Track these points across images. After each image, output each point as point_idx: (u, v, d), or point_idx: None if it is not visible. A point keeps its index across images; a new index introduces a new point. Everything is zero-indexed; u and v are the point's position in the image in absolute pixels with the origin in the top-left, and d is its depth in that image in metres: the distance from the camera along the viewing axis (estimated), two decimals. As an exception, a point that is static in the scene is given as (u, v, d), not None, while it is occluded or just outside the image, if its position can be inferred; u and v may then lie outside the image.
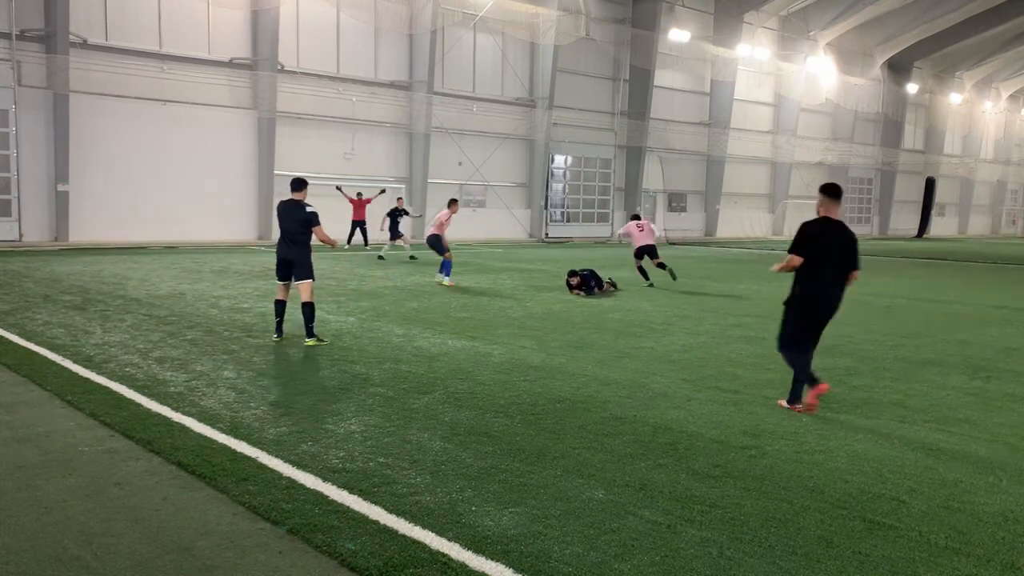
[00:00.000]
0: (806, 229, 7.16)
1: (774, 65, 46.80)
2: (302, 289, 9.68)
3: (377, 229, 25.07)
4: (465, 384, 7.59)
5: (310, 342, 9.50)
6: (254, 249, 26.41)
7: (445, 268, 16.96)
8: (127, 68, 26.86)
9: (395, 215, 23.49)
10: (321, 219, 9.95)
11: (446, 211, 17.42)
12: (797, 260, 7.03)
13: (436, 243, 17.09)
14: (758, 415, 6.75)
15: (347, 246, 27.45)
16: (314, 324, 9.68)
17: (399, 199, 25.23)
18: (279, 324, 9.87)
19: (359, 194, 28.57)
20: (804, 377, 6.99)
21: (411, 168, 34.03)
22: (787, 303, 7.20)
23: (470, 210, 35.99)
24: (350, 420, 6.29)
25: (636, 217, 18.85)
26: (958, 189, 65.04)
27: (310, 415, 6.42)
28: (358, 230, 27.83)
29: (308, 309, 9.61)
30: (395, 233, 23.34)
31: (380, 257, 22.82)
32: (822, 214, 7.24)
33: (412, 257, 23.11)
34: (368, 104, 32.64)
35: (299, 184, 9.92)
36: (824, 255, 7.00)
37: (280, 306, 9.87)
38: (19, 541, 4.10)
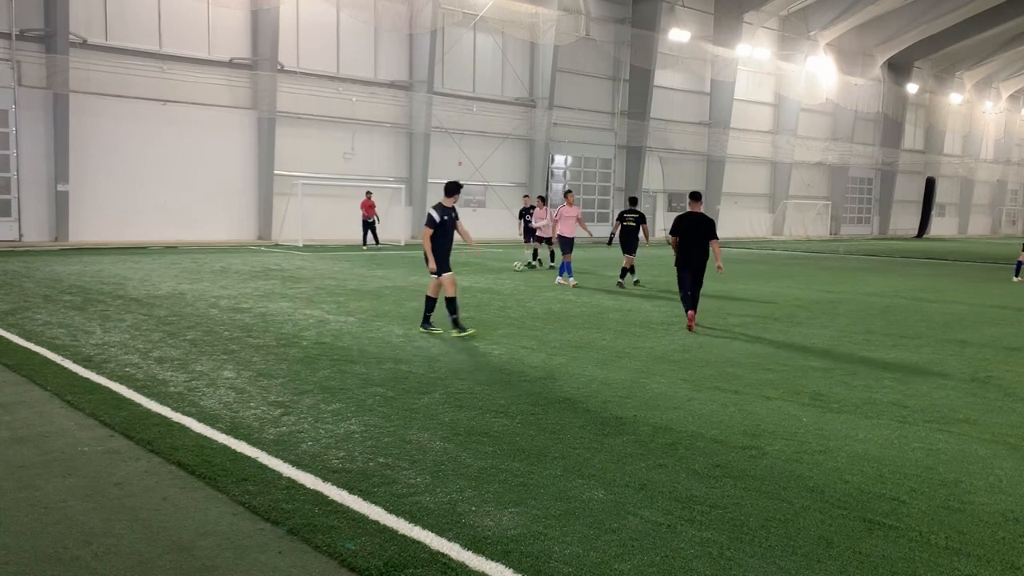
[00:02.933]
0: (676, 219, 11.77)
1: (774, 65, 46.81)
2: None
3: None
4: (465, 384, 7.59)
5: (454, 333, 10.21)
6: (254, 249, 26.41)
7: (567, 268, 16.99)
8: (127, 68, 26.87)
9: (526, 214, 22.09)
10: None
11: (572, 208, 17.49)
12: (673, 239, 11.66)
13: (570, 243, 17.23)
14: (758, 415, 6.75)
15: (364, 248, 27.58)
16: (457, 316, 10.35)
17: (525, 196, 23.49)
18: (427, 315, 10.59)
19: (368, 193, 28.67)
20: (685, 308, 11.56)
21: (411, 168, 34.04)
22: (675, 264, 11.72)
23: (470, 210, 36.01)
24: (350, 420, 6.29)
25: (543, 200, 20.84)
26: (958, 189, 65.06)
27: (310, 415, 6.42)
28: (369, 230, 28.04)
29: (446, 303, 10.40)
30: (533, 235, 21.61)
31: (529, 265, 21.41)
32: (689, 210, 11.73)
33: (530, 265, 21.48)
34: (368, 104, 32.65)
35: (447, 187, 10.36)
36: (686, 234, 11.47)
37: (430, 301, 10.58)
38: (19, 541, 4.10)
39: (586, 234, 18.85)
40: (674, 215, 43.95)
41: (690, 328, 11.23)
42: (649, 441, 5.93)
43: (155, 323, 10.72)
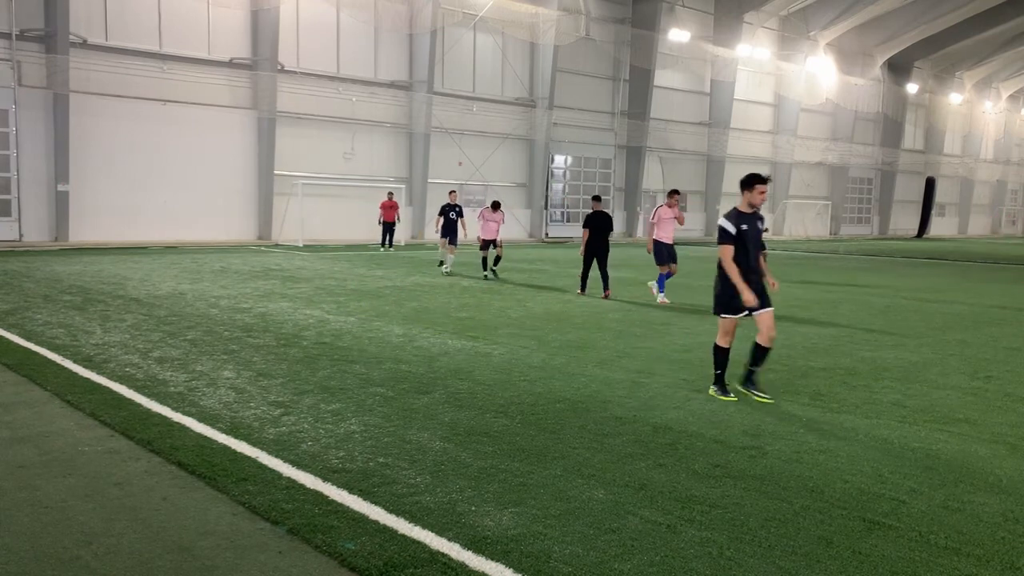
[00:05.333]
0: (587, 217, 15.28)
1: (774, 65, 46.81)
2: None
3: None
4: (465, 384, 7.59)
5: (712, 391, 7.44)
6: (254, 249, 26.42)
7: (660, 281, 14.77)
8: (127, 68, 26.88)
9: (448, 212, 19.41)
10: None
11: (674, 209, 14.70)
12: (585, 232, 15.14)
13: (670, 251, 14.75)
14: (758, 415, 6.75)
15: (383, 249, 27.56)
16: (721, 372, 7.43)
17: (452, 192, 20.28)
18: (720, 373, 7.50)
19: (390, 194, 28.62)
20: (582, 285, 15.42)
21: (411, 168, 34.05)
22: (584, 250, 15.14)
23: (470, 210, 35.99)
24: (350, 420, 6.29)
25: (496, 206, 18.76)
26: (958, 189, 65.04)
27: (310, 415, 6.42)
28: (388, 232, 28.00)
29: (753, 352, 7.43)
30: (452, 236, 19.21)
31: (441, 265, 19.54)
32: (594, 210, 15.31)
33: (442, 265, 19.47)
34: (368, 104, 32.66)
35: (744, 182, 7.37)
36: (594, 228, 15.03)
37: (721, 354, 7.51)
38: (19, 541, 4.10)
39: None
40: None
41: (606, 297, 14.80)
42: (649, 441, 5.93)
43: (155, 323, 10.72)
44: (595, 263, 15.11)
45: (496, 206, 18.75)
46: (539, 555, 4.00)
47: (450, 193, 20.15)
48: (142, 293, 13.85)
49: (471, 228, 20.77)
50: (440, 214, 19.36)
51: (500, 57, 36.79)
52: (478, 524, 4.35)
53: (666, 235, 14.71)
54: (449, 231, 19.12)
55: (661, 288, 14.67)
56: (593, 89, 40.51)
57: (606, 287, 14.93)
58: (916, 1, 46.07)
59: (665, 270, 14.68)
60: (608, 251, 15.08)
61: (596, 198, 15.67)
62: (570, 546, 4.11)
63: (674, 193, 14.94)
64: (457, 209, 19.30)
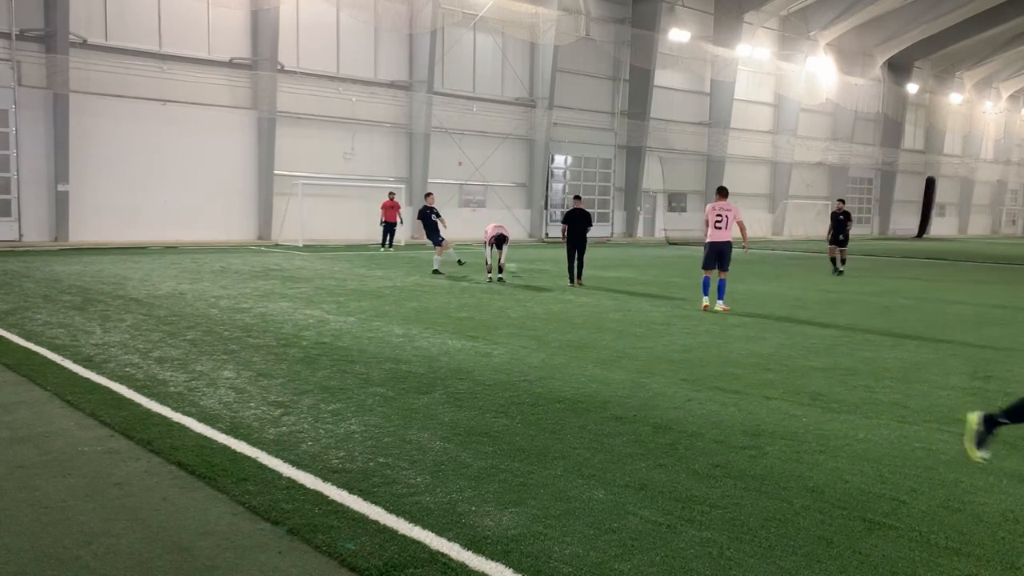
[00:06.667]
0: (566, 214, 17.12)
1: (774, 65, 46.82)
2: None
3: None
4: (465, 384, 7.59)
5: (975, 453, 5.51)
6: (254, 249, 26.42)
7: (720, 288, 13.47)
8: (127, 68, 26.88)
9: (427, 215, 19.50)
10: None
11: (732, 205, 13.46)
12: (564, 226, 17.00)
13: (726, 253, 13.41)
14: (758, 415, 6.74)
15: (383, 249, 27.52)
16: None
17: (429, 195, 20.23)
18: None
19: (391, 195, 28.60)
20: (570, 276, 17.06)
21: (411, 168, 34.05)
22: (566, 243, 17.00)
23: (470, 210, 36.03)
24: (350, 420, 6.29)
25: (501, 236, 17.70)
26: (958, 189, 65.05)
27: (310, 415, 6.42)
28: (389, 233, 27.99)
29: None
30: (435, 238, 19.23)
31: (436, 271, 19.00)
32: (575, 207, 17.08)
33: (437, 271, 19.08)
34: (368, 104, 32.66)
35: None
36: (573, 223, 16.90)
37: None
38: (19, 541, 4.10)
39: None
40: (674, 215, 44.65)
41: (579, 285, 16.68)
42: (649, 441, 5.93)
43: (155, 323, 10.72)
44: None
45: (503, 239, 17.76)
46: (539, 555, 4.00)
47: (426, 196, 20.30)
48: (142, 293, 13.85)
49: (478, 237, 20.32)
50: (419, 217, 19.55)
51: (500, 57, 36.80)
52: (478, 524, 4.35)
53: (727, 233, 13.34)
54: (432, 233, 19.19)
55: (706, 292, 13.57)
56: (593, 89, 40.52)
57: (580, 275, 17.00)
58: (916, 1, 46.08)
59: (708, 274, 13.58)
60: (586, 244, 17.03)
61: (577, 197, 17.60)
62: (570, 546, 4.11)
63: (723, 191, 13.78)
64: (435, 210, 19.54)
